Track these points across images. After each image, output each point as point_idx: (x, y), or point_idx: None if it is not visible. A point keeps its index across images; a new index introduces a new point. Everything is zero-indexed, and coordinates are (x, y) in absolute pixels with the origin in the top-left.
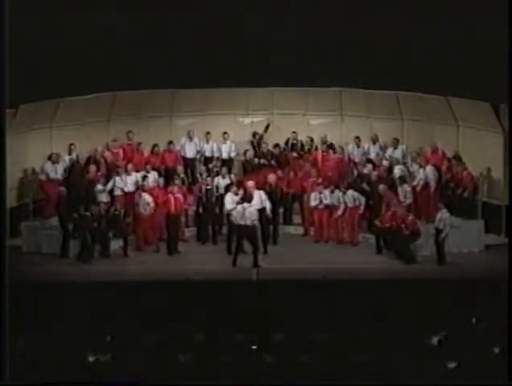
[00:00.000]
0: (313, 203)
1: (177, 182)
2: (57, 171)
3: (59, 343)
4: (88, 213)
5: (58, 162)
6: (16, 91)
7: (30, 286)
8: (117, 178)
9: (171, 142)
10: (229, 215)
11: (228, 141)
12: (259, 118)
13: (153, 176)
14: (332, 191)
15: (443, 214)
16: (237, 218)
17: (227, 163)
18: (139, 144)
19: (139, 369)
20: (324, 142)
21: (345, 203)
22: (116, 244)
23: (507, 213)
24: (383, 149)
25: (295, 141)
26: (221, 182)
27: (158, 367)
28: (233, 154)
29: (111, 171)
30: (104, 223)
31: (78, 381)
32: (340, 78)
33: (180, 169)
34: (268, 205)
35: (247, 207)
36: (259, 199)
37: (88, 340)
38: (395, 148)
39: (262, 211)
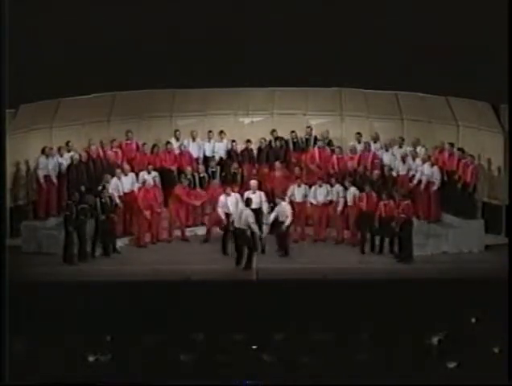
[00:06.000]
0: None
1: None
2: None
3: (59, 343)
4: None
5: (52, 157)
6: (16, 91)
7: (30, 286)
8: (119, 179)
9: (169, 143)
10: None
11: (224, 140)
12: (259, 118)
13: (152, 177)
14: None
15: (281, 207)
16: (235, 221)
17: (225, 162)
18: (143, 144)
19: (139, 369)
20: (324, 138)
21: (345, 198)
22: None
23: (507, 213)
24: (386, 147)
25: (295, 140)
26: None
27: (158, 367)
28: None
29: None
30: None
31: (78, 381)
32: (340, 78)
33: (202, 168)
34: (266, 206)
35: (243, 209)
36: (259, 199)
37: (88, 340)
38: (400, 146)
39: (258, 211)
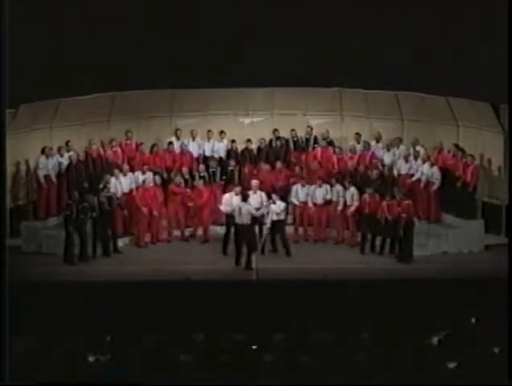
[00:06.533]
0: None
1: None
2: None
3: (59, 343)
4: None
5: (52, 157)
6: (16, 91)
7: (30, 286)
8: (118, 179)
9: (170, 143)
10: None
11: (225, 140)
12: (259, 118)
13: (149, 177)
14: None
15: (275, 206)
16: (235, 216)
17: (225, 162)
18: (141, 144)
19: (139, 369)
20: (324, 138)
21: (345, 198)
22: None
23: (507, 213)
24: (388, 147)
25: (295, 139)
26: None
27: (158, 367)
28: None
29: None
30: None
31: (78, 381)
32: (340, 78)
33: (202, 167)
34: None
35: (243, 205)
36: (260, 199)
37: (88, 340)
38: (397, 147)
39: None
